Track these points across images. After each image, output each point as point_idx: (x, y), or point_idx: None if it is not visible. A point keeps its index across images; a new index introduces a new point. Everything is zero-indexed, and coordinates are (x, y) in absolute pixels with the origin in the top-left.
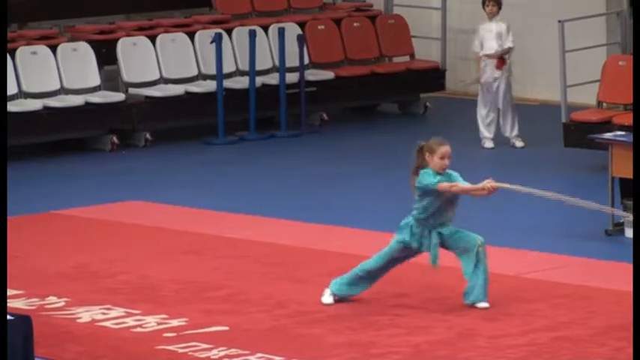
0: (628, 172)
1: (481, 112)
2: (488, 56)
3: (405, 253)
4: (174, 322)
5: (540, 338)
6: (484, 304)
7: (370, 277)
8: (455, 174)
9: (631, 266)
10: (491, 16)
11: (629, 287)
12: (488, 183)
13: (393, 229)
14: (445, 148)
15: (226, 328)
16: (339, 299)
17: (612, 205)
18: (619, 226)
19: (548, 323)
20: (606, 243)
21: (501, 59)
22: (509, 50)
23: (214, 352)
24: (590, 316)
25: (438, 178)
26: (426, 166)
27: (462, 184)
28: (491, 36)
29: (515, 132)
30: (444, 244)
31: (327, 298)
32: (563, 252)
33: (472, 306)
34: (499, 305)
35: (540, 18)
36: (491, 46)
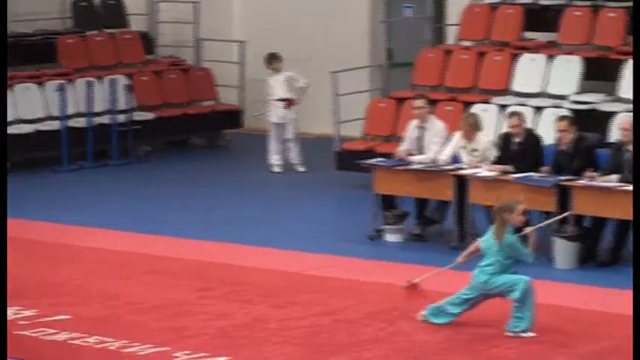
0: (387, 189)
1: (273, 143)
2: (285, 100)
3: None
4: (27, 313)
5: (320, 321)
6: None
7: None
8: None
9: (390, 264)
10: (277, 71)
11: (387, 279)
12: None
13: (197, 236)
14: (523, 206)
15: (69, 316)
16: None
17: (375, 215)
18: (379, 232)
19: (326, 309)
20: (369, 246)
21: (289, 101)
22: (304, 88)
23: (59, 335)
24: (359, 303)
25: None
26: (507, 224)
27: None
28: (281, 85)
29: (298, 159)
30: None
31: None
32: (336, 253)
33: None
34: (285, 296)
35: (319, 70)
36: (281, 93)
